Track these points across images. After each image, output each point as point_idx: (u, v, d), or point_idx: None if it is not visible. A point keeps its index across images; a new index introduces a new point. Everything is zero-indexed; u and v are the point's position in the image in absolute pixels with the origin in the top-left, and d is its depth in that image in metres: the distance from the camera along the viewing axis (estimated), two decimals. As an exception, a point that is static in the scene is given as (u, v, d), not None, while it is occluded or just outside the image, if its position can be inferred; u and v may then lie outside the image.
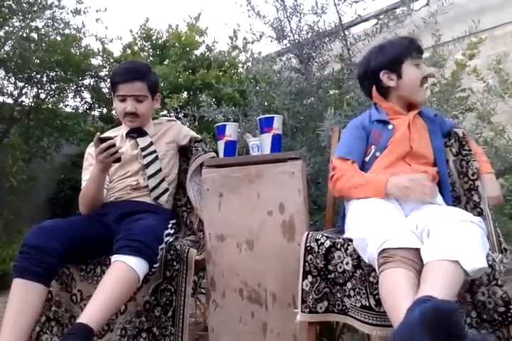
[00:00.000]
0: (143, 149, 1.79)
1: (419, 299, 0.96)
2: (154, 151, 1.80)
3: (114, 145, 1.55)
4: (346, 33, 2.42)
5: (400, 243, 1.11)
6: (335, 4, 2.35)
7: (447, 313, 0.84)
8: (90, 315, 1.25)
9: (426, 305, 0.88)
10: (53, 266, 1.41)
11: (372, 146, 1.54)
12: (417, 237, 1.16)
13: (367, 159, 1.54)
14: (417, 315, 0.87)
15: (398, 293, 1.04)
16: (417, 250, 1.12)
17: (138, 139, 1.81)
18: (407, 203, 1.37)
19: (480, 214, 1.47)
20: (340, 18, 2.35)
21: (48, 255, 1.38)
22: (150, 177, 1.76)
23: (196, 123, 2.84)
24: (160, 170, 1.78)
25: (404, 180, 1.35)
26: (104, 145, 1.53)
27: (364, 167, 1.53)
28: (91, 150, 1.84)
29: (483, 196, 1.50)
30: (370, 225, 1.22)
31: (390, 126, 1.54)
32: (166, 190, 1.78)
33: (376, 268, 1.14)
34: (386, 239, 1.12)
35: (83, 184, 1.77)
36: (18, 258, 1.39)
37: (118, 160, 1.60)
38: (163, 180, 1.78)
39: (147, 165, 1.77)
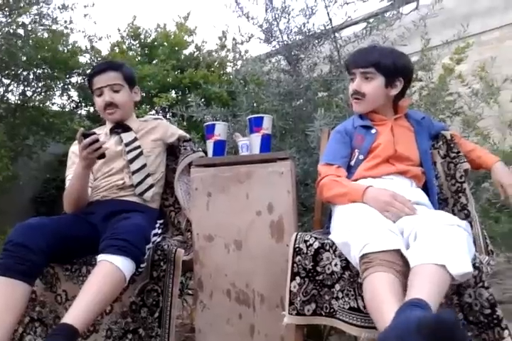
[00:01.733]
0: (127, 144, 1.77)
1: (407, 302, 0.96)
2: (139, 147, 1.78)
3: (97, 140, 1.52)
4: (336, 35, 2.43)
5: (379, 246, 1.12)
6: (325, 6, 2.36)
7: (451, 326, 0.82)
8: (75, 315, 1.23)
9: (427, 314, 0.87)
10: (38, 264, 1.38)
11: (356, 150, 1.57)
12: (397, 238, 1.17)
13: (352, 163, 1.56)
14: (414, 320, 0.85)
15: (380, 299, 1.04)
16: (398, 251, 1.12)
17: (122, 134, 1.79)
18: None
19: (467, 216, 1.49)
20: (330, 20, 2.36)
21: (32, 253, 1.35)
22: (134, 172, 1.74)
23: (185, 122, 2.83)
24: (144, 165, 1.76)
25: (386, 194, 1.33)
26: (88, 140, 1.50)
27: (350, 171, 1.55)
28: (74, 148, 1.82)
29: (471, 198, 1.51)
30: (352, 230, 1.22)
31: (373, 131, 1.57)
32: (151, 186, 1.76)
33: (360, 274, 1.15)
34: (365, 244, 1.13)
35: (67, 183, 1.75)
36: (2, 255, 1.36)
37: (102, 156, 1.57)
38: (148, 175, 1.76)
39: (131, 161, 1.75)
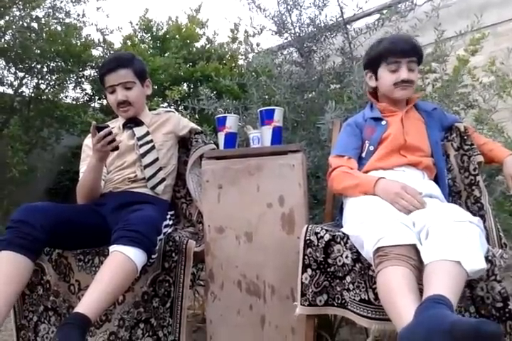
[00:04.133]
0: (139, 139, 1.78)
1: (429, 298, 0.96)
2: (151, 141, 1.79)
3: (110, 133, 1.54)
4: (348, 26, 2.41)
5: (394, 240, 1.11)
6: (337, -3, 2.33)
7: (490, 338, 0.80)
8: (88, 304, 1.25)
9: (468, 320, 0.85)
10: (40, 240, 1.40)
11: (366, 141, 1.57)
12: (412, 232, 1.16)
13: (363, 155, 1.56)
14: (447, 321, 0.84)
15: (395, 292, 1.04)
16: (412, 246, 1.12)
17: (134, 129, 1.80)
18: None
19: (480, 209, 1.47)
20: (341, 11, 2.34)
21: (33, 229, 1.38)
22: (146, 166, 1.75)
23: (196, 115, 2.83)
24: (157, 159, 1.77)
25: (396, 186, 1.32)
26: (101, 133, 1.53)
27: (361, 162, 1.55)
28: (88, 141, 1.84)
29: (484, 191, 1.50)
30: (365, 223, 1.22)
31: (384, 122, 1.57)
32: (163, 179, 1.77)
33: (374, 267, 1.14)
34: (380, 237, 1.12)
35: (81, 175, 1.77)
36: (6, 233, 1.39)
37: (115, 148, 1.59)
38: (159, 169, 1.77)
39: (143, 155, 1.76)
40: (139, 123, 1.83)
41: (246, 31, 4.49)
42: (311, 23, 2.39)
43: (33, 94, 4.49)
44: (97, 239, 1.54)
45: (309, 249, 1.33)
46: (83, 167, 1.79)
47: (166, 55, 4.53)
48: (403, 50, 1.55)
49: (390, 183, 1.35)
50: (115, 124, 1.88)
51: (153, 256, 1.45)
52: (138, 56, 1.93)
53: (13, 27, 3.89)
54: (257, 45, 3.50)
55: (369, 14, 2.98)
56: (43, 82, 4.58)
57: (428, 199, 1.34)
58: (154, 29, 4.73)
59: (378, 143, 1.54)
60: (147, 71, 1.93)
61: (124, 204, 1.62)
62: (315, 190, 2.12)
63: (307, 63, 2.43)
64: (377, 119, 1.58)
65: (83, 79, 4.69)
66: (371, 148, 1.54)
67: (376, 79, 1.62)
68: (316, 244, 1.32)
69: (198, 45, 4.78)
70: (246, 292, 1.52)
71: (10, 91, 4.46)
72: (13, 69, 4.38)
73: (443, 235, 1.11)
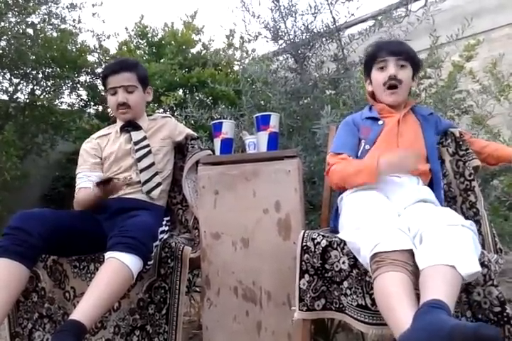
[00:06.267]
0: (136, 143, 1.79)
1: (426, 303, 0.95)
2: (147, 145, 1.79)
3: (110, 180, 1.60)
4: (341, 33, 2.43)
5: (391, 246, 1.11)
6: (328, 4, 2.35)
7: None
8: (83, 311, 1.24)
9: (467, 324, 0.85)
10: (36, 247, 1.39)
11: (362, 141, 1.59)
12: (408, 237, 1.16)
13: (358, 153, 1.57)
14: (447, 326, 0.84)
15: (393, 298, 1.03)
16: (409, 251, 1.12)
17: (132, 133, 1.81)
18: (399, 199, 1.38)
19: (476, 214, 1.48)
20: (334, 18, 2.35)
21: (30, 236, 1.38)
22: (142, 170, 1.75)
23: (192, 121, 2.83)
24: (153, 164, 1.77)
25: (394, 158, 1.37)
26: (101, 187, 1.59)
27: None
28: (86, 146, 1.85)
29: (480, 196, 1.50)
30: (362, 228, 1.22)
31: (380, 122, 1.59)
32: (159, 184, 1.77)
33: (371, 273, 1.14)
34: (377, 243, 1.12)
35: (78, 181, 1.77)
36: (1, 239, 1.39)
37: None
38: (155, 174, 1.77)
39: (139, 159, 1.76)
40: (137, 127, 1.83)
41: (241, 37, 4.51)
42: (306, 30, 2.40)
43: (28, 100, 4.48)
44: (93, 246, 1.53)
45: (306, 255, 1.32)
46: (80, 172, 1.79)
47: (162, 60, 4.53)
48: (390, 49, 1.59)
49: (389, 159, 1.38)
50: (112, 130, 1.88)
51: (149, 263, 1.44)
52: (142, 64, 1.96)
53: (9, 33, 3.88)
54: (253, 51, 3.52)
55: (364, 20, 2.99)
56: (38, 87, 4.56)
57: (422, 204, 1.34)
58: (150, 35, 4.74)
59: (374, 142, 1.55)
60: (148, 78, 1.94)
61: (120, 211, 1.62)
62: (311, 195, 2.12)
63: (302, 69, 2.44)
64: (375, 119, 1.60)
65: (78, 85, 4.67)
66: (367, 147, 1.56)
67: (371, 83, 1.66)
68: (313, 250, 1.32)
69: (193, 51, 4.79)
70: (242, 298, 1.52)
71: (5, 97, 4.44)
72: (8, 76, 4.37)
73: (436, 240, 1.11)
